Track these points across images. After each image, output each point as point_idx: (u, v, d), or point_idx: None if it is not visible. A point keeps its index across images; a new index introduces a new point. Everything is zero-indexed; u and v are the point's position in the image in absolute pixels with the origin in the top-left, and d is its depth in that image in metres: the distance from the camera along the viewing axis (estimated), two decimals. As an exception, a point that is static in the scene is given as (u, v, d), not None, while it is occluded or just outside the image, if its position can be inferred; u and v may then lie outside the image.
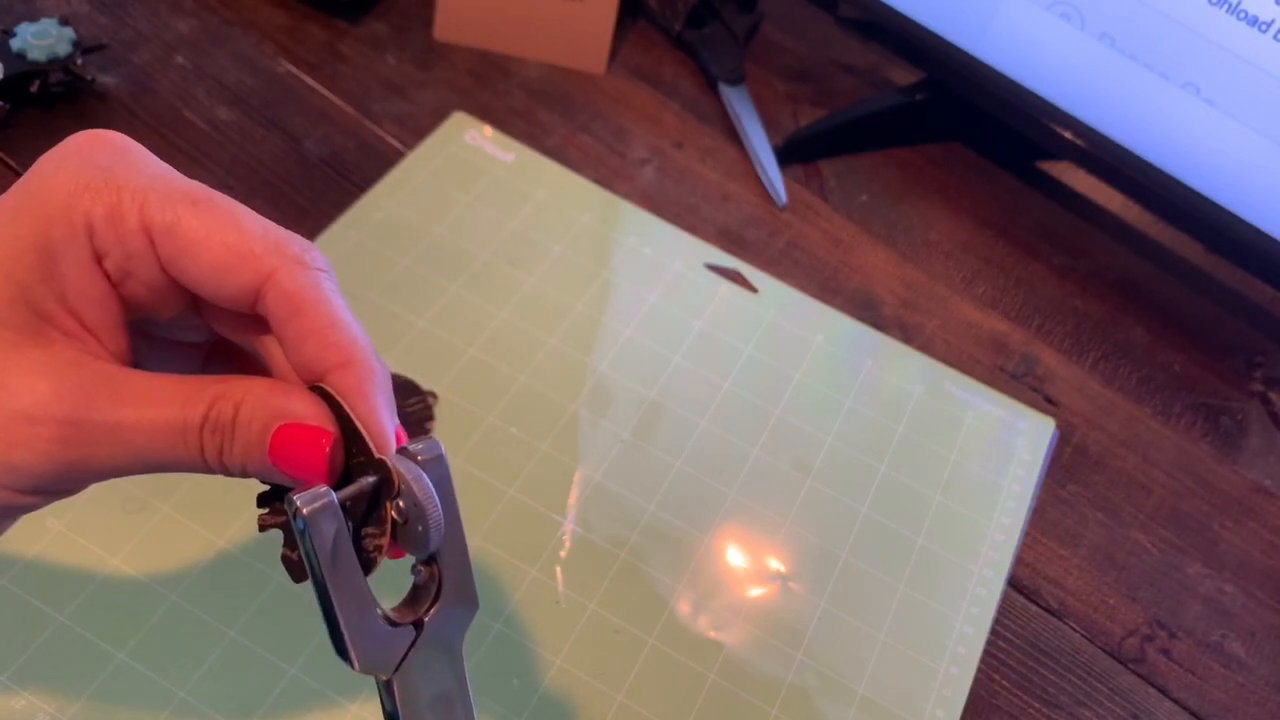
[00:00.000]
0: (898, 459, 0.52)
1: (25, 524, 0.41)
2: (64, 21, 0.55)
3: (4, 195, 0.24)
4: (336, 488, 0.24)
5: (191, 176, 0.24)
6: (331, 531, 0.24)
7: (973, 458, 0.53)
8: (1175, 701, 0.47)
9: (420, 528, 0.25)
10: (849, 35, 0.73)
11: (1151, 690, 0.48)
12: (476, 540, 0.45)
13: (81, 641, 0.40)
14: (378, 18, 0.65)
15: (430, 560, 0.26)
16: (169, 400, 0.24)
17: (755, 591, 0.46)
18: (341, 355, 0.25)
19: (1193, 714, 0.47)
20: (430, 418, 0.48)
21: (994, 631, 0.47)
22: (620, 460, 0.49)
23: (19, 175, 0.52)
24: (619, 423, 0.50)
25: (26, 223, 0.24)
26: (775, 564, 0.47)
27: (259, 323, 0.26)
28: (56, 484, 0.24)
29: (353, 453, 0.25)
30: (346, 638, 0.24)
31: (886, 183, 0.65)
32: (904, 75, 0.69)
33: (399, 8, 0.65)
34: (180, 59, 0.60)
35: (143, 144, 0.26)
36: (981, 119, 0.64)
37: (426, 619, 0.26)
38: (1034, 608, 0.49)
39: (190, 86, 0.58)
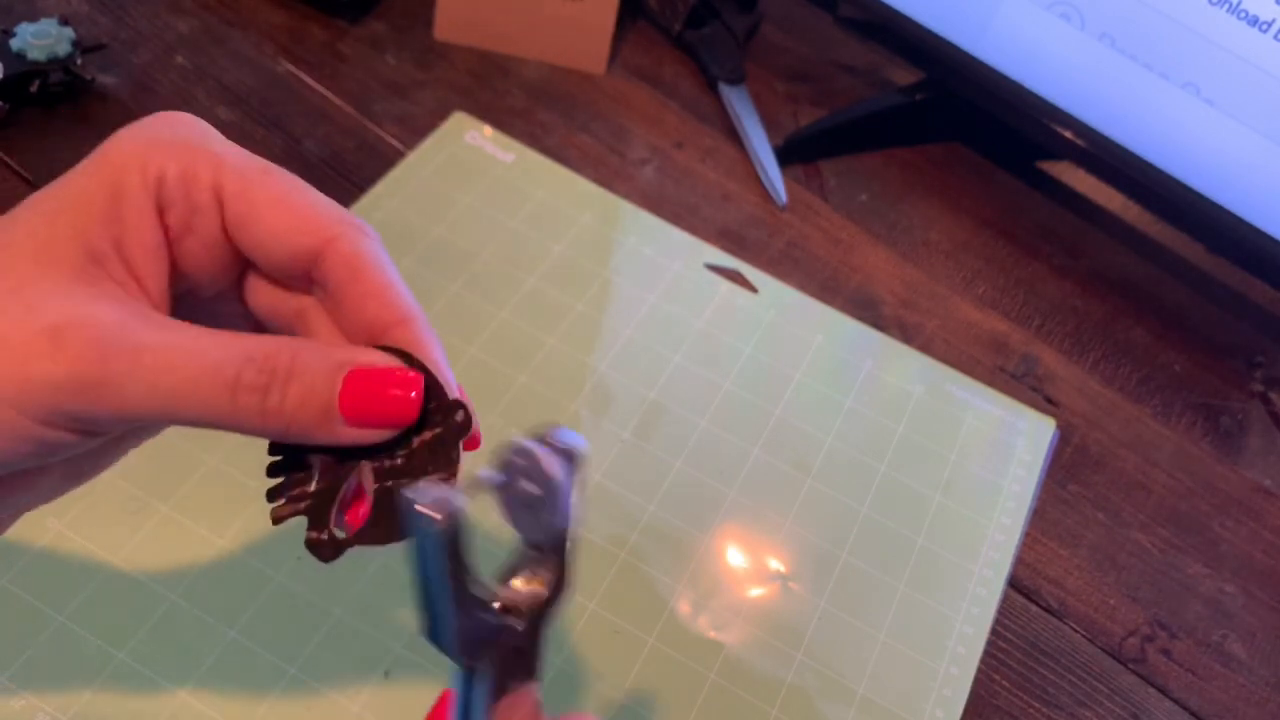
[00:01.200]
0: (898, 459, 0.52)
1: (25, 524, 0.41)
2: (64, 21, 0.55)
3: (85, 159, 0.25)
4: (414, 432, 0.24)
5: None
6: (452, 536, 0.23)
7: (973, 458, 0.53)
8: (1175, 702, 0.47)
9: (547, 514, 0.25)
10: (849, 35, 0.73)
11: (1152, 690, 0.47)
12: (478, 541, 0.45)
13: (81, 641, 0.40)
14: (378, 18, 0.65)
15: (537, 545, 0.26)
16: (210, 341, 0.23)
17: (755, 591, 0.46)
18: (402, 312, 0.25)
19: (1193, 714, 0.47)
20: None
21: (994, 632, 0.47)
22: (620, 460, 0.49)
23: (19, 175, 0.52)
24: (619, 423, 0.50)
25: (99, 172, 0.24)
26: (775, 564, 0.47)
27: (299, 301, 0.27)
28: (73, 410, 0.22)
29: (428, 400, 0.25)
30: (452, 631, 0.25)
31: (887, 183, 0.65)
32: (904, 75, 0.69)
33: (399, 8, 0.65)
34: (180, 59, 0.60)
35: None
36: (982, 119, 0.64)
37: (526, 608, 0.26)
38: (1034, 608, 0.49)
39: (190, 86, 0.58)
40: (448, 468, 0.25)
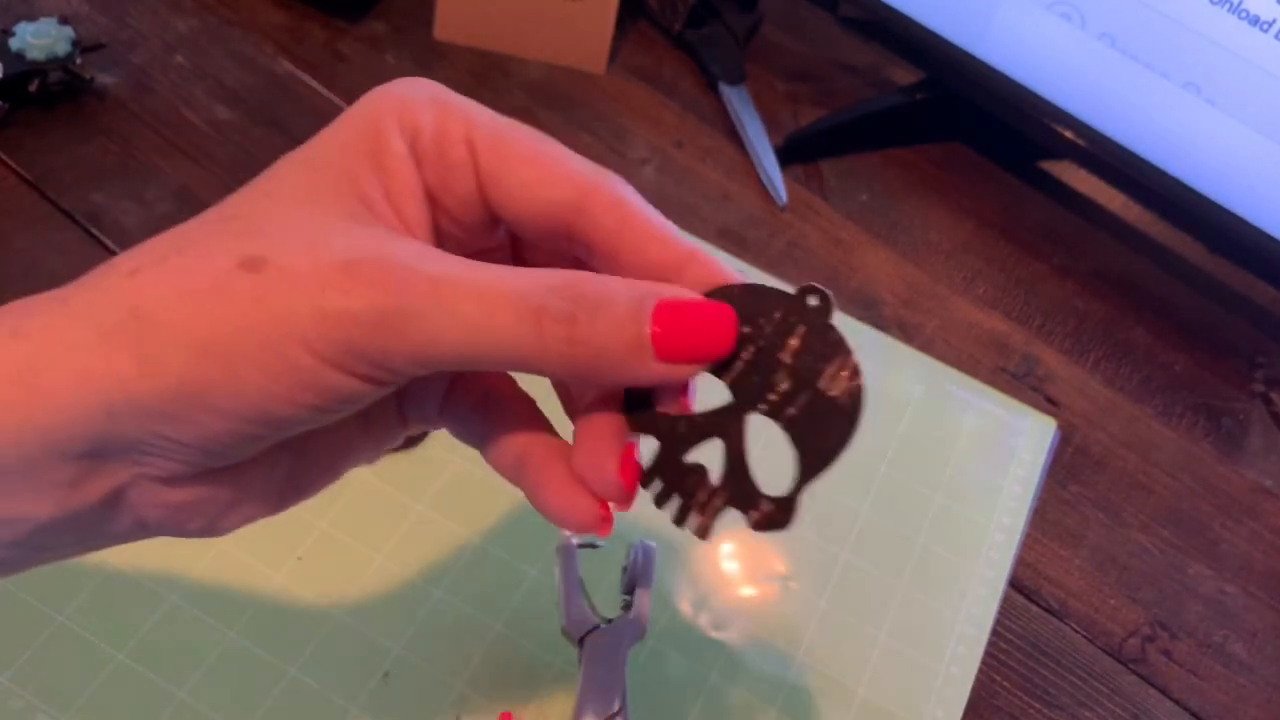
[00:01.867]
0: (898, 459, 0.52)
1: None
2: (63, 21, 0.55)
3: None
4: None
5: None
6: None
7: (973, 458, 0.52)
8: (1176, 702, 0.47)
9: (638, 598, 0.39)
10: (849, 35, 0.72)
11: (1152, 691, 0.47)
12: (477, 541, 0.45)
13: (81, 641, 0.40)
14: (377, 17, 0.65)
15: (631, 590, 0.40)
16: (508, 273, 0.22)
17: (755, 591, 0.46)
18: (686, 250, 0.24)
19: (1194, 715, 0.47)
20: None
21: (995, 632, 0.47)
22: (620, 460, 0.49)
23: (18, 175, 0.52)
24: (619, 423, 0.50)
25: (356, 126, 0.24)
26: (775, 564, 0.47)
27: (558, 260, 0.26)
28: (370, 348, 0.21)
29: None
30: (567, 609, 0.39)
31: (887, 182, 0.65)
32: (904, 75, 0.69)
33: (399, 7, 0.65)
34: (180, 58, 0.60)
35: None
36: (982, 119, 0.64)
37: (611, 620, 0.39)
38: (1035, 608, 0.49)
39: (190, 86, 0.58)
40: (840, 352, 0.23)
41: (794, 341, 0.23)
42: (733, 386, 0.24)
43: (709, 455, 0.25)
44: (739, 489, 0.24)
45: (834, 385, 0.23)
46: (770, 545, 0.48)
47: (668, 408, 0.25)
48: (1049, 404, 0.56)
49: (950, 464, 0.52)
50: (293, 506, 0.26)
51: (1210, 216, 0.56)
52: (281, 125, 0.58)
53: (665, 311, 0.22)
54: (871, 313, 0.58)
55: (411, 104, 0.24)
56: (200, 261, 0.21)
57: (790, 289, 0.24)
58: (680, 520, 0.25)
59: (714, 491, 0.24)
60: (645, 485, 0.25)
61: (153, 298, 0.21)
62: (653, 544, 0.42)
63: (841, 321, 0.24)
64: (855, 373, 0.23)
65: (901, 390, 0.54)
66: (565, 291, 0.22)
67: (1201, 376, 0.60)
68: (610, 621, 0.40)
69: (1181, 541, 0.53)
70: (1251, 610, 0.51)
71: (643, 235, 0.24)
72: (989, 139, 0.68)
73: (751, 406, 0.24)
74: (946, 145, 0.68)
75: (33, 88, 0.54)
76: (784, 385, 0.24)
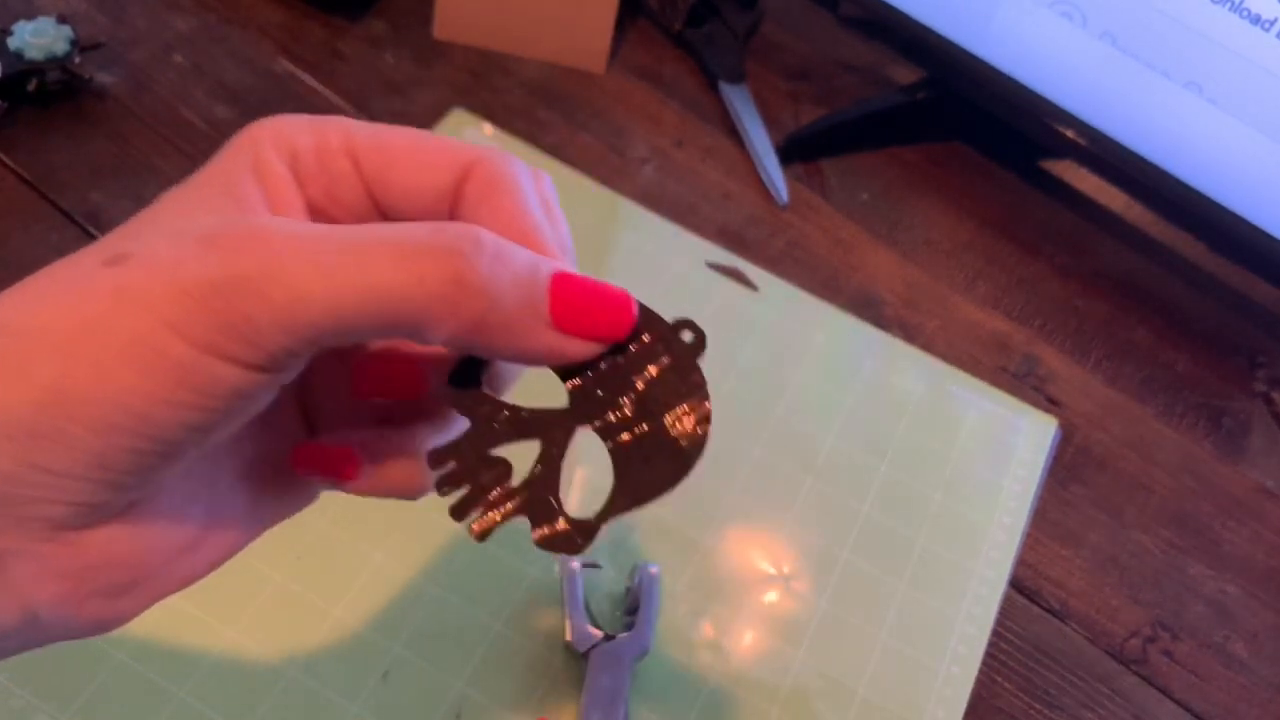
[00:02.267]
0: (899, 459, 0.52)
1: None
2: (62, 20, 0.55)
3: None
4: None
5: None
6: None
7: (974, 457, 0.52)
8: (1177, 703, 0.47)
9: (641, 616, 0.42)
10: (850, 33, 0.72)
11: (1154, 691, 0.47)
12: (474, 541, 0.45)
13: (81, 641, 0.40)
14: (377, 16, 0.65)
15: (633, 612, 0.43)
16: (387, 228, 0.20)
17: (756, 592, 0.46)
18: (536, 241, 0.23)
19: (1195, 715, 0.47)
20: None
21: (995, 633, 0.47)
22: (620, 460, 0.49)
23: (17, 175, 0.52)
24: (619, 423, 0.50)
25: (235, 156, 0.23)
26: (777, 564, 0.47)
27: None
28: (238, 321, 0.19)
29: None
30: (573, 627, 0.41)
31: (888, 182, 0.65)
32: (905, 74, 0.69)
33: (398, 6, 0.65)
34: (178, 58, 0.59)
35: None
36: (983, 118, 0.64)
37: (614, 636, 0.41)
38: (1036, 609, 0.49)
39: (188, 85, 0.58)
40: (697, 394, 0.22)
41: (653, 370, 0.22)
42: (573, 393, 0.23)
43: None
44: (537, 498, 0.23)
45: (679, 425, 0.22)
46: (771, 545, 0.48)
47: (496, 391, 0.23)
48: (1050, 404, 0.56)
49: (951, 464, 0.52)
50: (220, 566, 0.24)
51: (1211, 216, 0.56)
52: (281, 124, 0.57)
53: (565, 281, 0.21)
54: (872, 312, 0.58)
55: (287, 130, 0.23)
56: (65, 268, 0.20)
57: (668, 318, 0.23)
58: (459, 514, 0.23)
59: (509, 493, 0.23)
60: (436, 465, 0.23)
61: (13, 307, 0.19)
62: (656, 568, 0.44)
63: (708, 366, 0.23)
64: (705, 420, 0.22)
65: (902, 390, 0.54)
66: (456, 231, 0.20)
67: (1203, 376, 0.60)
68: (613, 637, 0.42)
69: (1183, 542, 0.53)
70: (1253, 611, 0.51)
71: (498, 211, 0.23)
72: (990, 138, 0.68)
73: (586, 420, 0.22)
74: (947, 144, 0.68)
75: (31, 87, 0.54)
76: (627, 409, 0.22)
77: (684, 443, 0.22)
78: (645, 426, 0.22)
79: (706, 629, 0.45)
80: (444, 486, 0.23)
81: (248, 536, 0.24)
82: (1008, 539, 0.50)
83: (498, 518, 0.23)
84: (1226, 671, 0.49)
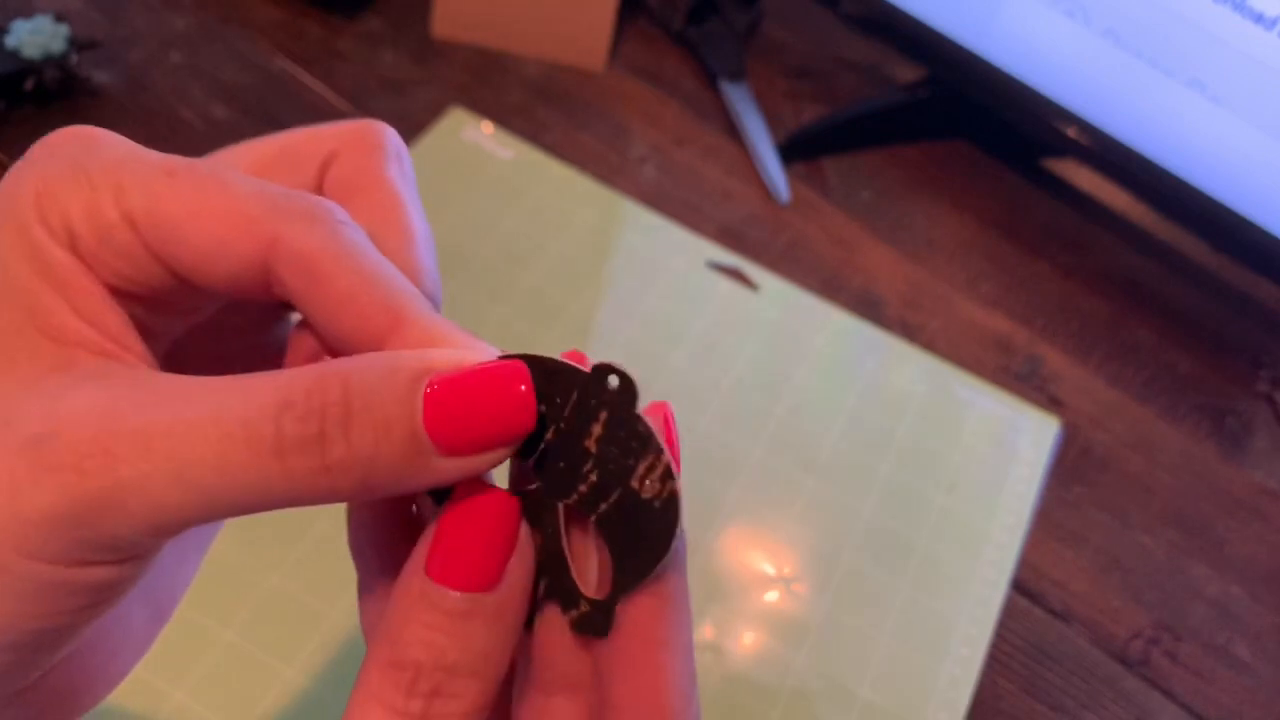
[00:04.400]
0: (901, 459, 0.51)
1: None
2: (59, 18, 0.55)
3: None
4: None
5: None
6: None
7: (976, 458, 0.52)
8: (1181, 705, 0.47)
9: None
10: (851, 32, 0.72)
11: (1156, 693, 0.47)
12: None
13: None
14: (375, 14, 0.64)
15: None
16: (231, 395, 0.17)
17: (757, 593, 0.46)
18: (394, 311, 0.19)
19: (1198, 717, 0.47)
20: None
21: (998, 634, 0.47)
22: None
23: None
24: (619, 423, 0.50)
25: (9, 252, 0.19)
26: (777, 565, 0.47)
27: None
28: (90, 538, 0.17)
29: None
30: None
31: (889, 181, 0.65)
32: (907, 72, 0.69)
33: (397, 4, 0.65)
34: (176, 56, 0.59)
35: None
36: (985, 116, 0.63)
37: None
38: (1038, 610, 0.49)
39: (186, 84, 0.58)
40: (650, 448, 0.20)
41: (597, 428, 0.20)
42: (538, 471, 0.20)
43: None
44: (558, 584, 0.20)
45: (646, 486, 0.19)
46: (772, 546, 0.47)
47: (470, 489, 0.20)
48: (1052, 404, 0.56)
49: (953, 464, 0.52)
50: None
51: (1214, 215, 0.55)
52: (279, 123, 0.57)
53: (443, 392, 0.17)
54: (874, 312, 0.57)
55: (51, 195, 0.19)
56: None
57: (584, 366, 0.20)
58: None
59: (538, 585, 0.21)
60: None
61: None
62: None
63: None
64: (668, 474, 0.19)
65: (904, 390, 0.54)
66: (305, 405, 0.17)
67: (1206, 377, 0.59)
68: None
69: (1185, 543, 0.52)
70: (1256, 612, 0.51)
71: (334, 300, 0.19)
72: (992, 137, 0.67)
73: (561, 496, 0.20)
74: (949, 143, 0.68)
75: (28, 86, 0.53)
76: (592, 477, 0.20)
77: (657, 504, 0.19)
78: (617, 494, 0.20)
79: (707, 630, 0.44)
80: None
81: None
82: (1010, 540, 0.50)
83: (536, 610, 0.21)
84: (1229, 673, 0.48)
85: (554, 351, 0.20)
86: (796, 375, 0.53)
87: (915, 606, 0.47)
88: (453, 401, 0.18)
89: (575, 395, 0.20)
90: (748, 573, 0.47)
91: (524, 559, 0.19)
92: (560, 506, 0.20)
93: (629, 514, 0.20)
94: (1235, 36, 0.51)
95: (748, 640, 0.45)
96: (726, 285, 0.56)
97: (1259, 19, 0.50)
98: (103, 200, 0.19)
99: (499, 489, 0.19)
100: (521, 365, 0.19)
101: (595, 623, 0.20)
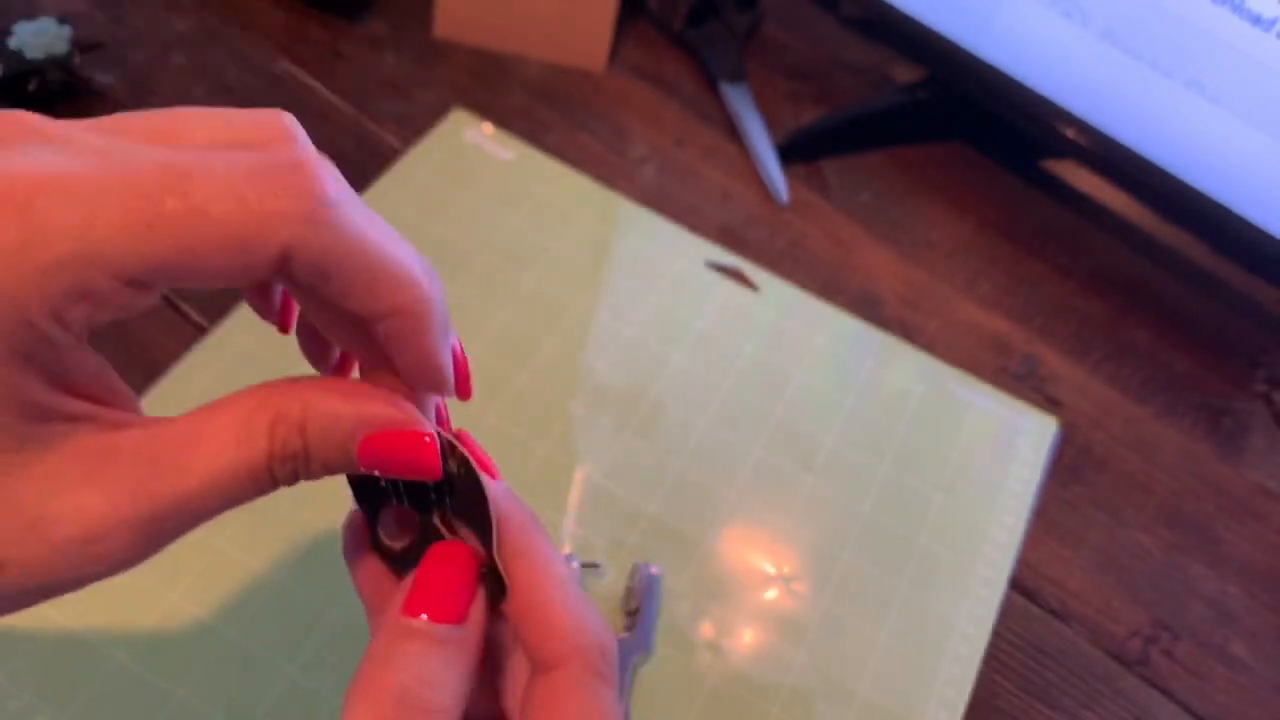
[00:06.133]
0: (900, 459, 0.51)
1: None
2: (62, 20, 0.55)
3: None
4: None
5: None
6: None
7: (975, 458, 0.52)
8: (1178, 703, 0.47)
9: (641, 616, 0.43)
10: (851, 33, 0.72)
11: (1154, 692, 0.47)
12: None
13: (80, 642, 0.40)
14: (377, 16, 0.65)
15: (634, 613, 0.43)
16: (222, 444, 0.21)
17: (756, 592, 0.46)
18: (391, 300, 0.22)
19: (1195, 716, 0.47)
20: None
21: (996, 633, 0.47)
22: (620, 460, 0.49)
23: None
24: (619, 422, 0.50)
25: None
26: (777, 564, 0.47)
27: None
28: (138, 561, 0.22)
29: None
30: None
31: (888, 181, 0.65)
32: (906, 73, 0.69)
33: (398, 6, 0.65)
34: (178, 58, 0.59)
35: None
36: (984, 118, 0.63)
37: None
38: (1036, 609, 0.49)
39: (188, 85, 0.58)
40: (454, 451, 0.25)
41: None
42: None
43: None
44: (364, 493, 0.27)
45: (454, 462, 0.25)
46: (772, 545, 0.48)
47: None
48: (1050, 404, 0.56)
49: (951, 464, 0.52)
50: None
51: (1212, 216, 0.56)
52: (281, 124, 0.57)
53: (373, 445, 0.23)
54: (873, 312, 0.57)
55: (32, 290, 0.18)
56: None
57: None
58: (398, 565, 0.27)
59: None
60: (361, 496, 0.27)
61: None
62: (656, 568, 0.44)
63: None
64: (460, 455, 0.25)
65: (902, 390, 0.54)
66: (281, 456, 0.22)
67: (1203, 377, 0.60)
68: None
69: (1183, 542, 0.52)
70: (1253, 611, 0.51)
71: (344, 288, 0.22)
72: (991, 138, 0.67)
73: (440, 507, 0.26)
74: (948, 144, 0.68)
75: (32, 87, 0.54)
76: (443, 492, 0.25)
77: (464, 473, 0.25)
78: (448, 484, 0.25)
79: (706, 629, 0.45)
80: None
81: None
82: (1008, 539, 0.50)
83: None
84: (1227, 672, 0.49)
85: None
86: (796, 375, 0.53)
87: (913, 605, 0.47)
88: (382, 452, 0.23)
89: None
90: (747, 571, 0.47)
91: (480, 602, 0.24)
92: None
93: (464, 490, 0.25)
94: (1234, 37, 0.51)
95: (747, 639, 0.45)
96: (726, 285, 0.56)
97: (1257, 20, 0.50)
98: (93, 275, 0.19)
99: (462, 545, 0.24)
100: (428, 434, 0.24)
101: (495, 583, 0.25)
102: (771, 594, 0.46)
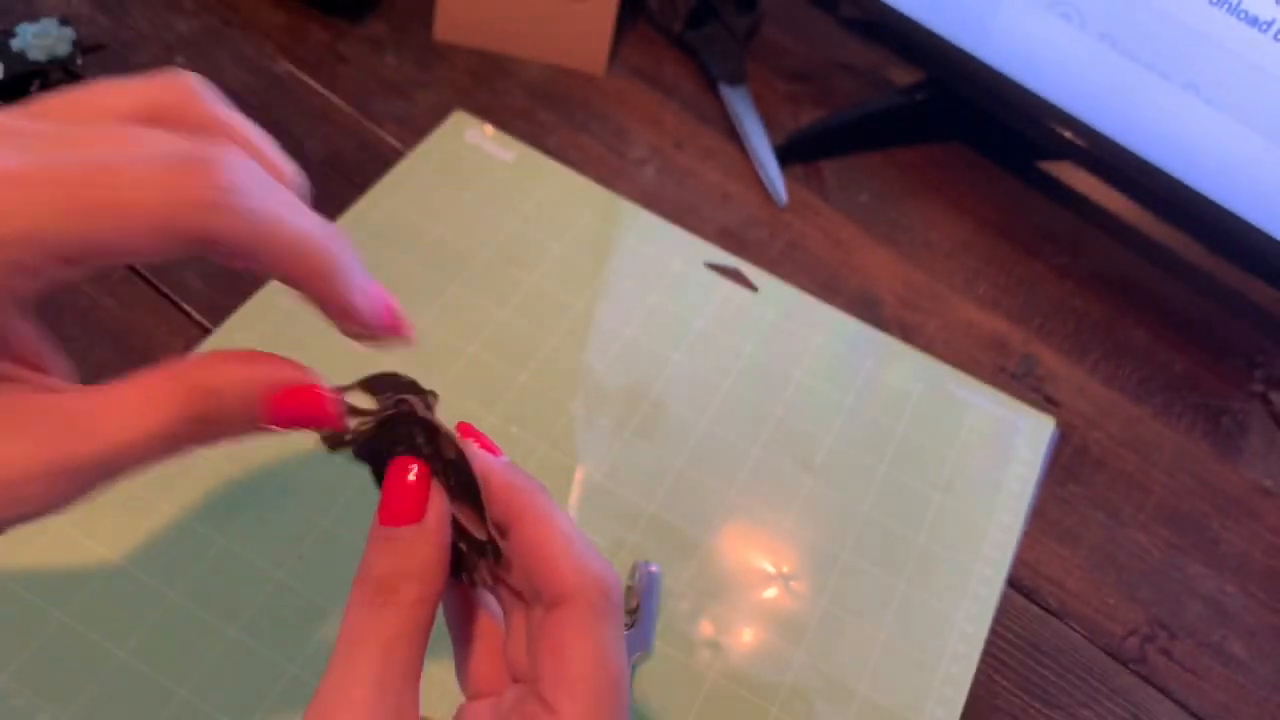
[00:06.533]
0: (898, 458, 0.52)
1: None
2: (64, 21, 0.55)
3: None
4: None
5: None
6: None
7: (973, 457, 0.53)
8: (1175, 702, 0.47)
9: (641, 615, 0.43)
10: (850, 35, 0.73)
11: (1152, 690, 0.47)
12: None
13: (81, 640, 0.40)
14: (378, 18, 0.65)
15: (634, 611, 0.44)
16: (136, 405, 0.23)
17: (756, 591, 0.46)
18: (298, 264, 0.25)
19: (1193, 714, 0.47)
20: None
21: (994, 631, 0.47)
22: (620, 460, 0.49)
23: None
24: (619, 422, 0.50)
25: None
26: (776, 563, 0.47)
27: None
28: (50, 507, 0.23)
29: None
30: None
31: (887, 182, 0.65)
32: (905, 75, 0.69)
33: (399, 8, 0.65)
34: (180, 59, 0.60)
35: None
36: (982, 119, 0.64)
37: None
38: (1034, 608, 0.49)
39: (191, 86, 0.58)
40: (441, 433, 0.27)
41: (421, 439, 0.27)
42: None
43: None
44: (472, 545, 0.28)
45: (450, 454, 0.27)
46: (771, 544, 0.48)
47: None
48: (1048, 403, 0.56)
49: (950, 463, 0.52)
50: None
51: (1209, 216, 0.56)
52: (282, 126, 0.58)
53: (278, 405, 0.25)
54: (872, 312, 0.58)
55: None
56: None
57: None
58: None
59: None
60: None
61: None
62: (656, 567, 0.44)
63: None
64: (455, 443, 0.27)
65: (901, 390, 0.54)
66: (199, 419, 0.24)
67: (1200, 376, 0.60)
68: None
69: (1180, 541, 0.53)
70: (1250, 610, 0.51)
71: (276, 263, 0.25)
72: (989, 139, 0.68)
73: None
74: (947, 145, 0.68)
75: (34, 89, 0.54)
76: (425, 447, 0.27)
77: (460, 460, 0.27)
78: (442, 465, 0.27)
79: (706, 628, 0.45)
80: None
81: None
82: (1006, 538, 0.50)
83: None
84: (1224, 670, 0.49)
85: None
86: (795, 375, 0.54)
87: (912, 604, 0.47)
88: (286, 409, 0.26)
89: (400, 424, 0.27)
90: (746, 570, 0.47)
91: (438, 500, 0.27)
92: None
93: (457, 476, 0.27)
94: (1231, 40, 0.52)
95: (746, 637, 0.45)
96: (725, 286, 0.56)
97: (1254, 22, 0.51)
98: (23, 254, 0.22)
99: (412, 459, 0.27)
100: (322, 391, 0.26)
101: (495, 552, 0.28)
102: (771, 593, 0.46)
